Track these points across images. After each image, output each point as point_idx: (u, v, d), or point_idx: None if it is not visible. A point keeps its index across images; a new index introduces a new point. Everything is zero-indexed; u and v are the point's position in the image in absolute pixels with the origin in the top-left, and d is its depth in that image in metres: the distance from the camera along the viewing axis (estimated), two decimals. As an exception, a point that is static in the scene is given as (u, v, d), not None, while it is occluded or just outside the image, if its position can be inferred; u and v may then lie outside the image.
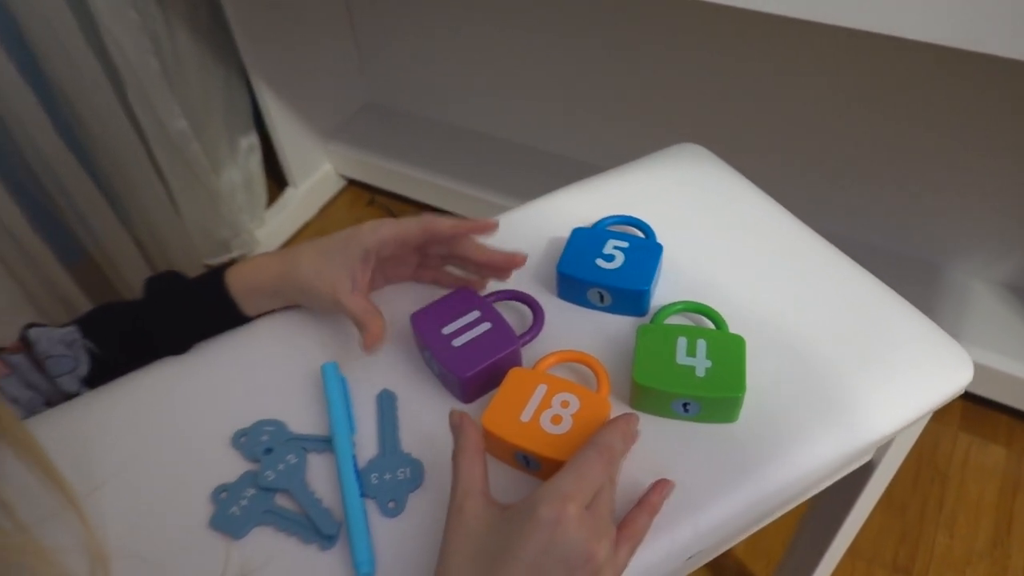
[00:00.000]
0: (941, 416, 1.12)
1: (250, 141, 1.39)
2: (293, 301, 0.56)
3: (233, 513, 0.47)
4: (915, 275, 1.16)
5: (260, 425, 0.51)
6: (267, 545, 0.45)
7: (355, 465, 0.48)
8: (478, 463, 0.41)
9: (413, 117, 1.53)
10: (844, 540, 0.72)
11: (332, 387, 0.51)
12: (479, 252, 0.55)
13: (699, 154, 0.70)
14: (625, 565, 0.41)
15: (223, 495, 0.48)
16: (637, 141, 1.28)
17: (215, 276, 0.55)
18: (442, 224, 0.53)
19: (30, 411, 0.53)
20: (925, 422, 0.57)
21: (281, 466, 0.48)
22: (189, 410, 0.52)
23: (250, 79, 1.30)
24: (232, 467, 0.49)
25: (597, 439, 0.41)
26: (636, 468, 0.46)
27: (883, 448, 0.58)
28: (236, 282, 0.55)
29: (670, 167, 0.68)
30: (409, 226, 0.53)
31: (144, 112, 1.10)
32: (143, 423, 0.51)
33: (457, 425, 0.43)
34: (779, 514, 0.54)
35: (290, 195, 1.49)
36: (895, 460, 0.61)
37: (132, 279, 1.23)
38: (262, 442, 0.50)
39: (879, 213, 1.17)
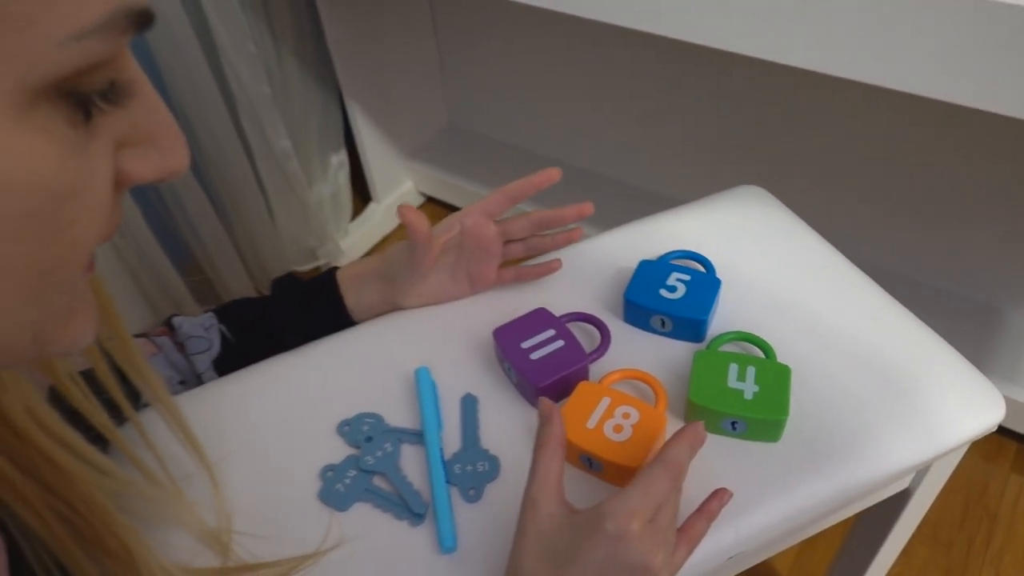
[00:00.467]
0: (994, 457, 1.14)
1: (340, 158, 1.51)
2: (393, 279, 0.64)
3: (338, 489, 0.55)
4: (974, 316, 1.18)
5: (361, 417, 0.59)
6: (365, 519, 0.54)
7: (442, 455, 0.56)
8: (557, 459, 0.46)
9: (490, 141, 1.62)
10: (881, 566, 0.76)
11: (424, 389, 0.59)
12: (547, 218, 0.64)
13: (760, 196, 0.76)
14: (681, 565, 0.47)
15: (329, 473, 0.56)
16: (705, 177, 1.34)
17: (327, 274, 0.66)
18: (514, 187, 0.63)
19: (169, 389, 0.63)
20: (961, 454, 0.62)
21: (379, 452, 0.56)
22: (302, 400, 0.61)
23: (344, 102, 1.41)
24: (337, 451, 0.57)
25: (665, 455, 0.44)
26: (688, 476, 0.53)
27: (919, 477, 0.62)
28: (343, 274, 0.65)
29: (732, 208, 0.74)
30: (489, 201, 0.63)
31: (253, 132, 1.22)
32: (264, 408, 0.60)
33: (546, 415, 0.47)
34: (815, 530, 0.59)
35: (373, 209, 1.60)
36: (932, 489, 0.65)
37: (230, 281, 1.35)
38: (363, 431, 0.58)
39: (940, 254, 1.19)
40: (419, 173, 1.61)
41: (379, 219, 1.59)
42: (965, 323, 1.16)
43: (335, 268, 0.66)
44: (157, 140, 0.28)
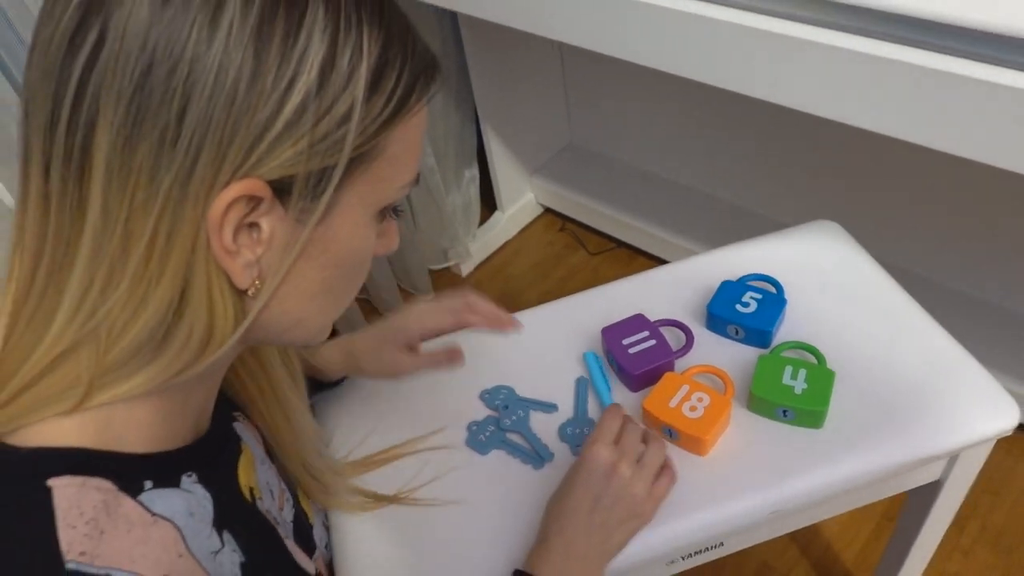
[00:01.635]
0: (1065, 475, 1.21)
1: (472, 173, 1.72)
2: (358, 362, 0.76)
3: (480, 439, 0.75)
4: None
5: (498, 388, 0.79)
6: (500, 461, 0.73)
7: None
8: (617, 421, 0.66)
9: (607, 159, 1.80)
10: (922, 553, 0.89)
11: (593, 366, 0.78)
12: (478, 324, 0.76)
13: (834, 231, 0.90)
14: (663, 494, 0.65)
15: (473, 427, 0.76)
16: (796, 203, 1.46)
17: None
18: (472, 320, 0.74)
19: None
20: (985, 452, 0.74)
21: (514, 416, 0.76)
22: (455, 373, 0.81)
23: (479, 123, 1.62)
24: (479, 412, 0.77)
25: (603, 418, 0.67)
26: (745, 452, 0.69)
27: (948, 469, 0.75)
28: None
29: (806, 239, 0.89)
30: (444, 321, 0.74)
31: (405, 151, 1.45)
32: (428, 377, 0.81)
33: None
34: (853, 504, 0.74)
35: (497, 217, 1.81)
36: (961, 483, 0.78)
37: (377, 275, 1.59)
38: (500, 398, 0.78)
39: (993, 272, 1.27)
40: (539, 187, 1.80)
41: (502, 226, 1.80)
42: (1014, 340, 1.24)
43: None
44: (390, 232, 0.49)
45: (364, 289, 1.66)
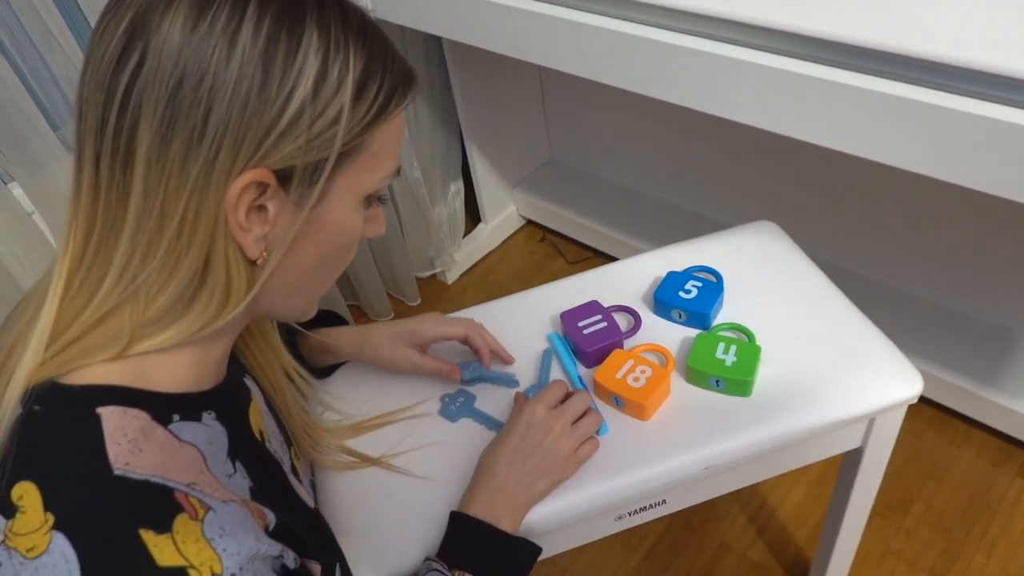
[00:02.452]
0: (1003, 463, 1.31)
1: (457, 186, 1.83)
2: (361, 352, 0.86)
3: (451, 409, 0.84)
4: (985, 335, 1.35)
5: (466, 364, 0.88)
6: (469, 428, 0.83)
7: (580, 378, 0.84)
8: (561, 391, 0.77)
9: (584, 174, 1.91)
10: (854, 518, 0.98)
11: (559, 345, 0.88)
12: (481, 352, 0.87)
13: (771, 230, 1.00)
14: (584, 457, 0.75)
15: (446, 398, 0.86)
16: (746, 206, 1.57)
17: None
18: (477, 342, 0.85)
19: None
20: (897, 420, 0.84)
21: (480, 388, 0.85)
22: (436, 351, 0.90)
23: (463, 139, 1.73)
24: (452, 385, 0.87)
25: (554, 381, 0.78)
26: (685, 418, 0.79)
27: (866, 436, 0.85)
28: (313, 339, 0.84)
29: (747, 237, 0.99)
30: (456, 332, 0.84)
31: (393, 164, 1.55)
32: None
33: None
34: (782, 468, 0.83)
35: (481, 229, 1.91)
36: (879, 450, 0.87)
37: (365, 280, 1.69)
38: (471, 371, 0.87)
39: (955, 276, 1.37)
40: (521, 200, 1.91)
41: (486, 237, 1.90)
42: (976, 341, 1.34)
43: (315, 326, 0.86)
44: (378, 219, 0.59)
45: (355, 295, 1.76)
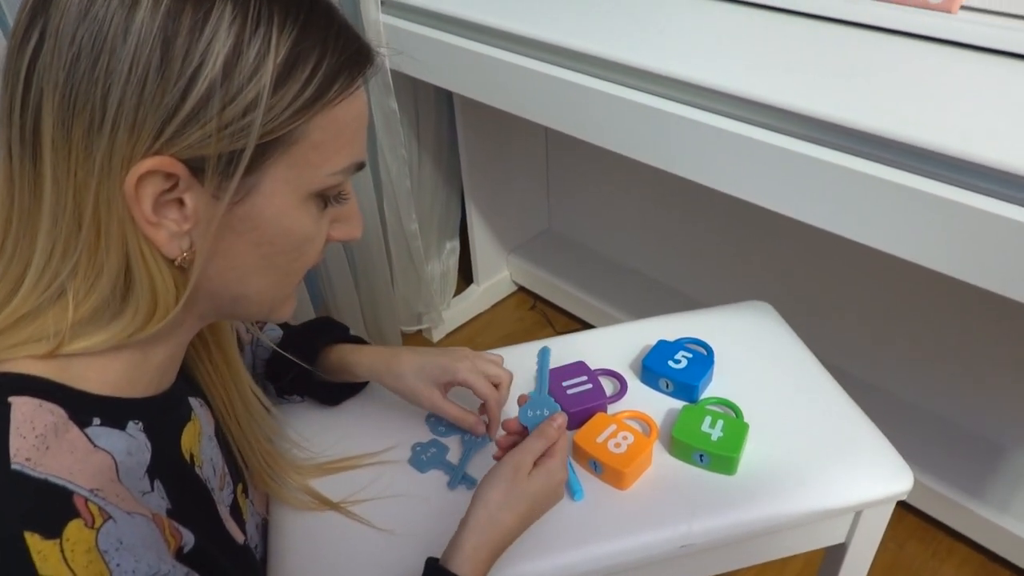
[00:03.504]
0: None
1: (453, 245, 1.82)
2: (381, 384, 0.81)
3: (421, 459, 0.80)
4: (973, 447, 1.32)
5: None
6: (436, 480, 0.78)
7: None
8: (544, 442, 0.71)
9: (581, 247, 1.91)
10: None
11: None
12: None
13: (765, 310, 0.99)
14: (561, 483, 0.71)
15: (417, 447, 0.82)
16: (740, 290, 1.56)
17: (321, 342, 0.82)
18: (492, 411, 0.80)
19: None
20: (884, 516, 0.80)
21: (455, 439, 0.82)
22: (403, 403, 0.87)
23: (464, 198, 1.74)
24: (424, 434, 0.83)
25: (539, 430, 0.73)
26: (665, 492, 0.75)
27: (851, 532, 0.81)
28: (334, 354, 0.81)
29: (741, 315, 0.98)
30: (483, 389, 0.78)
31: (391, 215, 1.55)
32: (383, 399, 0.87)
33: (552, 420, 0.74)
34: (764, 555, 0.79)
35: (472, 290, 1.89)
36: (864, 548, 0.83)
37: (348, 323, 1.65)
38: (443, 423, 0.84)
39: (945, 385, 1.36)
40: (515, 266, 1.91)
41: (476, 299, 1.88)
42: (966, 452, 1.31)
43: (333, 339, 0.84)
44: (350, 220, 0.56)
45: (336, 343, 1.72)
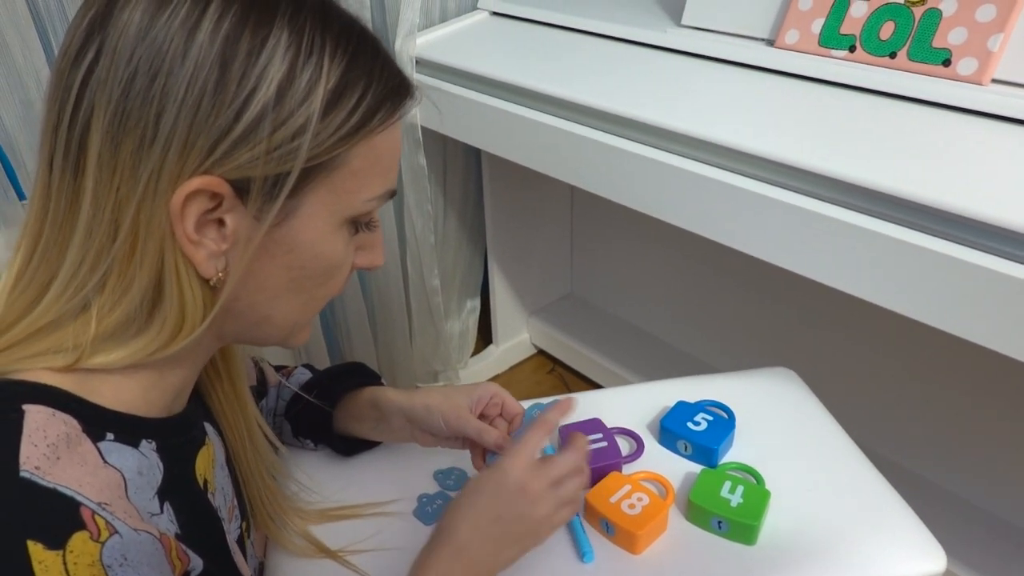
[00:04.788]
0: None
1: (474, 304, 1.82)
2: (404, 423, 0.74)
3: (427, 511, 0.77)
4: (992, 530, 1.25)
5: (451, 469, 0.82)
6: (442, 534, 0.75)
7: None
8: (539, 442, 0.63)
9: (603, 312, 1.89)
10: None
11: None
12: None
13: (789, 377, 0.96)
14: (561, 522, 0.63)
15: (424, 499, 0.79)
16: (763, 362, 1.53)
17: (349, 385, 0.79)
18: (517, 423, 0.75)
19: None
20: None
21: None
22: (411, 453, 0.84)
23: (487, 258, 1.74)
24: (431, 487, 0.80)
25: (539, 418, 0.65)
26: (677, 560, 0.71)
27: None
28: (367, 393, 0.77)
29: (763, 380, 0.95)
30: (511, 400, 0.76)
31: (414, 270, 1.55)
32: (395, 448, 0.85)
33: (555, 411, 0.66)
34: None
35: (491, 351, 1.88)
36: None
37: (366, 384, 1.64)
38: (452, 478, 0.81)
39: (970, 468, 1.29)
40: (536, 329, 1.89)
41: (494, 360, 1.86)
42: (994, 538, 1.24)
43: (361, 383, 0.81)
44: (375, 248, 0.56)
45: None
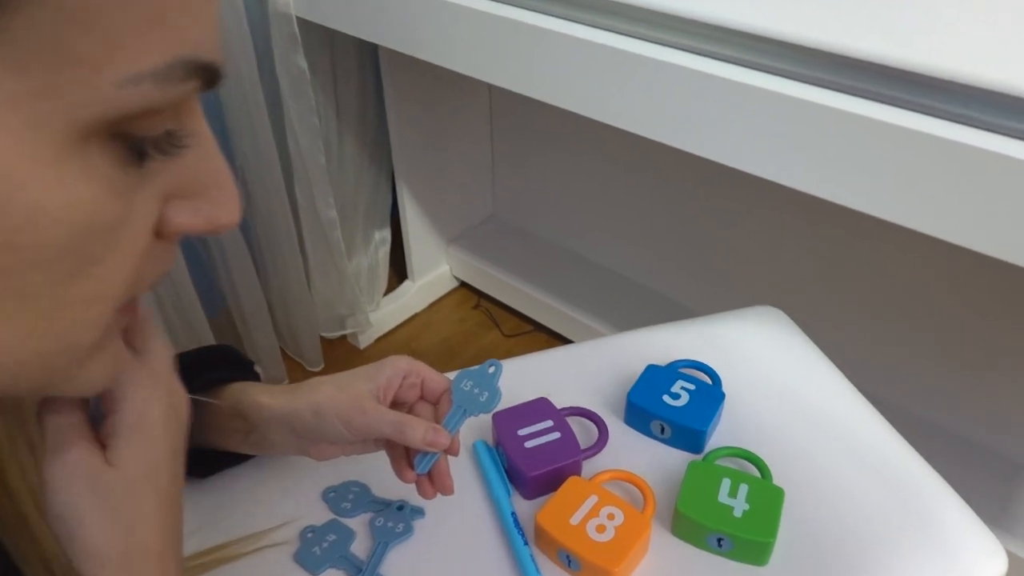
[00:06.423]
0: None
1: (383, 235, 1.56)
2: (288, 434, 0.51)
3: (314, 552, 0.55)
4: (993, 469, 1.14)
5: (347, 488, 0.60)
6: (336, 585, 0.53)
7: (516, 521, 0.56)
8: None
9: (530, 235, 1.67)
10: None
11: (486, 461, 0.61)
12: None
13: (777, 317, 0.76)
14: None
15: (308, 534, 0.56)
16: (727, 293, 1.35)
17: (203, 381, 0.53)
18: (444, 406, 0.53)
19: None
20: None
21: (362, 520, 0.56)
22: (292, 465, 0.61)
23: (395, 183, 1.47)
24: (320, 514, 0.58)
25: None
26: (665, 588, 0.52)
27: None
28: (228, 395, 0.53)
29: (746, 325, 0.75)
30: (434, 374, 0.54)
31: (304, 198, 1.28)
32: (261, 468, 0.61)
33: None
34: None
35: (406, 287, 1.63)
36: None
37: (258, 337, 1.38)
38: (348, 499, 0.58)
39: (962, 401, 1.17)
40: (457, 259, 1.65)
41: (411, 297, 1.62)
42: (980, 474, 1.12)
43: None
44: (209, 193, 0.29)
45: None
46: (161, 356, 0.38)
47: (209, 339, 1.27)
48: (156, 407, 0.37)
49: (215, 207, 0.29)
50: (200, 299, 1.24)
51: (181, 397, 0.39)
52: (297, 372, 1.49)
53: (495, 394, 0.52)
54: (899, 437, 0.63)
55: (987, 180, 0.58)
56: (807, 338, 0.73)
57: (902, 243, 1.11)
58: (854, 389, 0.68)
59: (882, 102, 0.63)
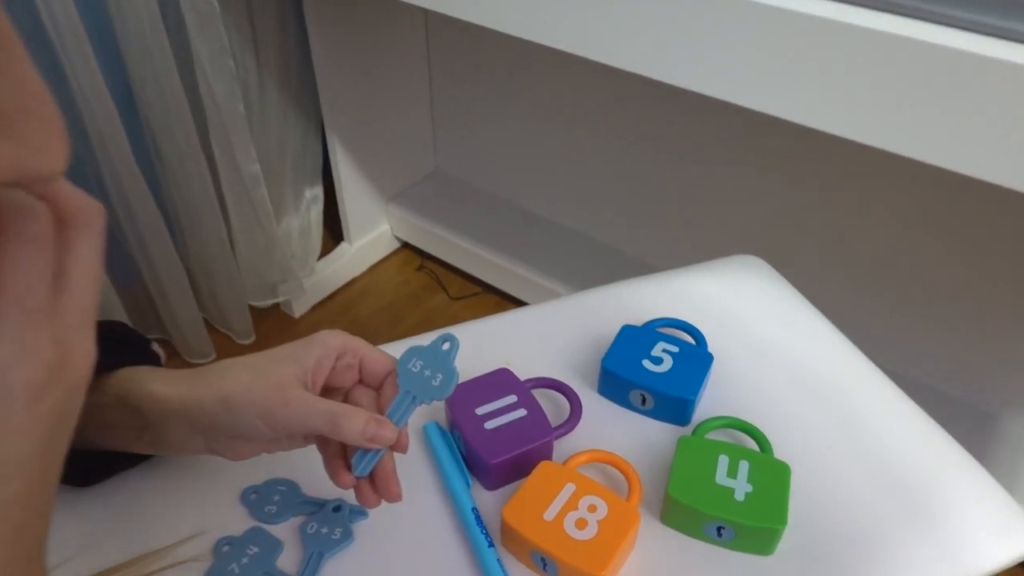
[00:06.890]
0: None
1: (314, 192, 1.43)
2: (189, 431, 0.42)
3: (232, 570, 0.45)
4: (969, 422, 1.11)
5: (272, 484, 0.49)
6: (261, 609, 0.43)
7: (477, 515, 0.47)
8: None
9: (476, 191, 1.56)
10: None
11: (439, 445, 0.51)
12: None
13: (759, 267, 0.68)
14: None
15: (226, 548, 0.46)
16: (696, 247, 1.28)
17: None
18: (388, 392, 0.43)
19: None
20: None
21: (289, 527, 0.46)
22: (203, 462, 0.51)
23: (326, 134, 1.34)
24: (239, 522, 0.47)
25: None
26: (659, 590, 0.43)
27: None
28: (112, 387, 0.43)
29: (728, 276, 0.67)
30: (375, 352, 0.44)
31: (222, 152, 1.14)
32: (161, 467, 0.50)
33: None
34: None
35: (344, 249, 1.51)
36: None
37: (178, 309, 1.25)
38: (273, 501, 0.48)
39: (936, 352, 1.12)
40: (397, 217, 1.53)
41: (349, 259, 1.51)
42: (961, 428, 1.09)
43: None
44: (13, 126, 0.20)
45: (161, 327, 1.30)
46: (77, 290, 0.26)
47: (121, 315, 1.14)
48: (25, 368, 0.25)
49: (20, 147, 0.20)
50: (110, 272, 1.10)
51: (82, 354, 0.27)
52: (227, 346, 1.37)
53: (451, 376, 0.42)
54: (907, 398, 0.56)
55: (971, 89, 0.51)
56: (795, 290, 0.66)
57: (882, 179, 1.05)
58: (852, 345, 0.61)
59: (858, 4, 0.55)
